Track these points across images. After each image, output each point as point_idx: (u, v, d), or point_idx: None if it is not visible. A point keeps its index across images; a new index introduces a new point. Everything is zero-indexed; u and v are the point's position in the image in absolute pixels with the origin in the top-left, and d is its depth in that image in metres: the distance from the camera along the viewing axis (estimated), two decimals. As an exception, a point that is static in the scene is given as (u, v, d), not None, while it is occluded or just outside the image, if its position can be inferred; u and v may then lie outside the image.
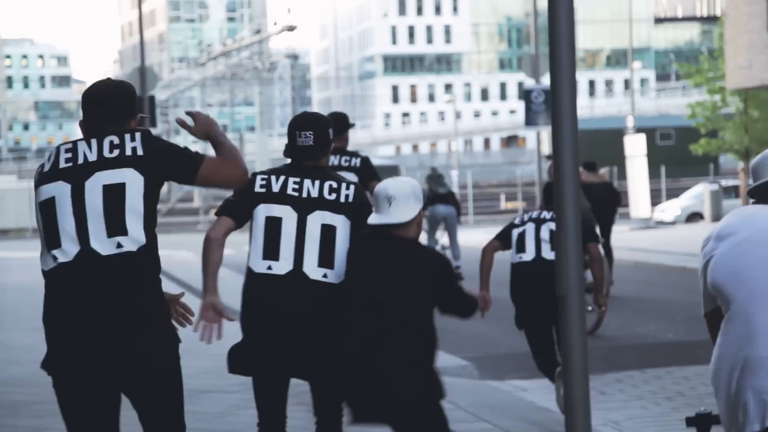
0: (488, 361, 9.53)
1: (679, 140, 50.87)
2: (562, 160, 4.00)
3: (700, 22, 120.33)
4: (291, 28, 51.20)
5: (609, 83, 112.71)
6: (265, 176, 4.46)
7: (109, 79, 3.80)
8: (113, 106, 3.69)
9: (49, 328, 3.54)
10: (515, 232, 7.07)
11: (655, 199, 34.16)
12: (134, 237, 3.54)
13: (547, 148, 28.00)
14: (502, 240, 7.08)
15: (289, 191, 4.38)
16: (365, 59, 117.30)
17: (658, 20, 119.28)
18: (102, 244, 3.52)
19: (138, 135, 3.66)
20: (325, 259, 4.28)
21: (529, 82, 27.75)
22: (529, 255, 6.93)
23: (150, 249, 3.58)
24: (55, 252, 3.54)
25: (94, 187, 3.55)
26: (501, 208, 42.97)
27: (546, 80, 27.52)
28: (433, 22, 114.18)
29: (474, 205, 40.88)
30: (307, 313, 4.21)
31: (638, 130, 31.45)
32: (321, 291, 4.24)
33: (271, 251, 4.30)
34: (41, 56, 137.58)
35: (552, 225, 6.84)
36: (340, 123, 7.31)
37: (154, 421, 3.60)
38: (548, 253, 6.84)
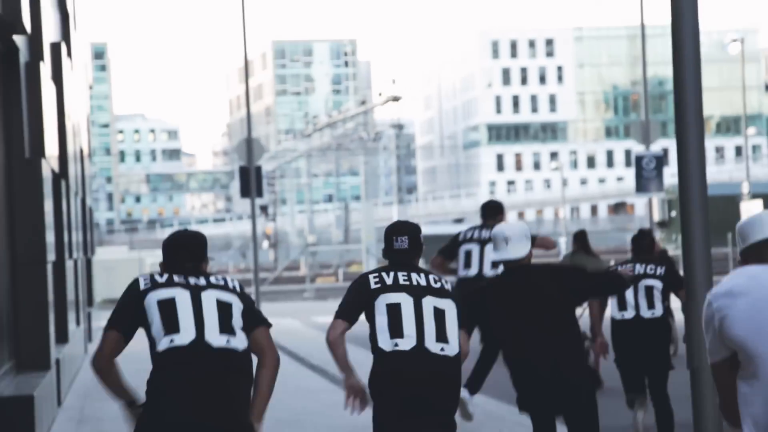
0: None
1: (797, 206, 49.27)
2: (691, 221, 3.78)
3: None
4: (396, 99, 51.56)
5: (719, 150, 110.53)
6: (376, 274, 5.14)
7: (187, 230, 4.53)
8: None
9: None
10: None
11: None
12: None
13: (657, 214, 27.26)
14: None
15: (401, 282, 5.09)
16: (469, 128, 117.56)
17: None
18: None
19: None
20: (441, 336, 4.99)
21: (639, 149, 27.21)
22: (630, 313, 7.42)
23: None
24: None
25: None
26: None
27: (656, 147, 26.94)
28: (537, 92, 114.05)
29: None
30: (430, 379, 4.95)
31: (754, 196, 30.52)
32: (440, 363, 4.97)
33: (396, 330, 5.00)
34: (152, 130, 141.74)
35: (650, 281, 7.39)
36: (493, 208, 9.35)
37: None
38: (646, 312, 7.35)
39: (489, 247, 8.68)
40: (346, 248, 66.17)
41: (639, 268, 7.41)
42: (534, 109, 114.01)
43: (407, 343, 4.93)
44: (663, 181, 26.44)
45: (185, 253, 4.37)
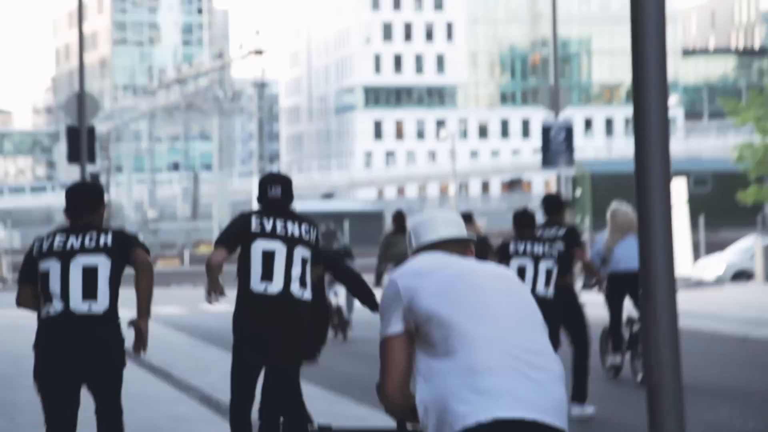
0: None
1: (717, 187, 50.45)
2: (651, 206, 3.64)
3: (737, 55, 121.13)
4: (259, 52, 50.79)
5: (629, 121, 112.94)
6: (258, 217, 6.99)
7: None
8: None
9: None
10: (514, 264, 9.23)
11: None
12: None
13: (563, 193, 27.37)
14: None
15: (278, 231, 6.92)
16: (343, 90, 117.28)
17: (687, 52, 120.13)
18: None
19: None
20: (303, 282, 6.92)
21: (547, 117, 27.19)
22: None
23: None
24: None
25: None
26: (506, 265, 42.23)
27: (565, 115, 26.95)
28: (423, 50, 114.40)
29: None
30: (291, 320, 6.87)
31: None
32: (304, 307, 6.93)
33: (267, 275, 6.87)
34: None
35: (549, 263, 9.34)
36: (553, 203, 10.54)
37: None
38: (542, 290, 9.23)
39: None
40: (194, 225, 65.05)
41: (537, 248, 9.29)
42: (419, 70, 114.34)
43: (275, 287, 6.78)
44: (573, 154, 26.45)
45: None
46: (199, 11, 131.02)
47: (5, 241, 42.45)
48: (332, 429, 4.41)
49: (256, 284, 6.74)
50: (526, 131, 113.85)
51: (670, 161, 3.90)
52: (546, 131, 26.30)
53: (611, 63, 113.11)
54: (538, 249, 9.25)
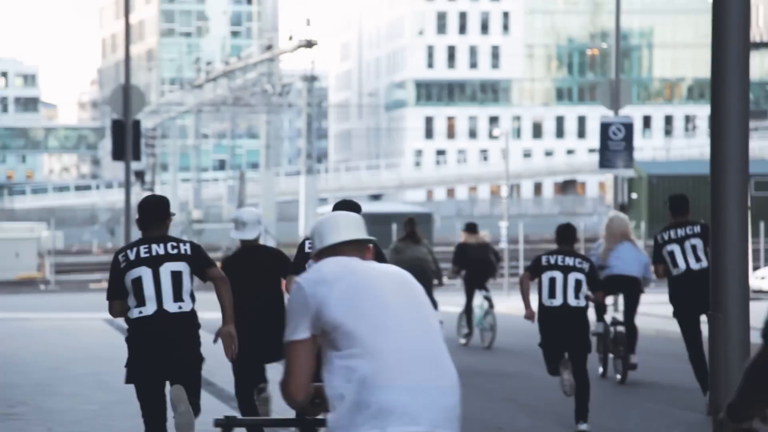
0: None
1: (781, 191, 49.80)
2: (727, 207, 3.53)
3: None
4: (310, 44, 50.56)
5: (690, 120, 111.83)
6: (123, 252, 7.58)
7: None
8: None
9: None
10: (546, 277, 10.39)
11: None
12: None
13: (611, 197, 27.09)
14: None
15: (143, 255, 7.48)
16: (394, 85, 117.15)
17: (754, 45, 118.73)
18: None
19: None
20: (177, 296, 7.50)
21: (606, 115, 26.85)
22: (558, 301, 10.36)
23: None
24: None
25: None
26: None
27: (624, 113, 26.60)
28: (478, 43, 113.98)
29: (525, 265, 39.94)
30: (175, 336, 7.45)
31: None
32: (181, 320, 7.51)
33: (140, 299, 7.46)
34: (4, 74, 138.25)
35: (578, 275, 10.37)
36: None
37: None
38: (573, 301, 10.32)
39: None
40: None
41: (568, 260, 10.36)
42: (473, 64, 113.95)
43: (150, 308, 7.32)
44: (633, 155, 26.11)
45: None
46: (249, 1, 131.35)
47: (48, 241, 42.72)
48: (237, 419, 4.84)
49: (133, 313, 7.40)
50: (581, 130, 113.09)
51: (749, 161, 3.79)
52: (604, 130, 25.90)
53: (673, 57, 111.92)
54: (569, 261, 10.39)
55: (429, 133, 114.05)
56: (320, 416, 4.36)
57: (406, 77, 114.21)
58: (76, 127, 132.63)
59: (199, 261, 7.45)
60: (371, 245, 4.45)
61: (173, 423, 7.26)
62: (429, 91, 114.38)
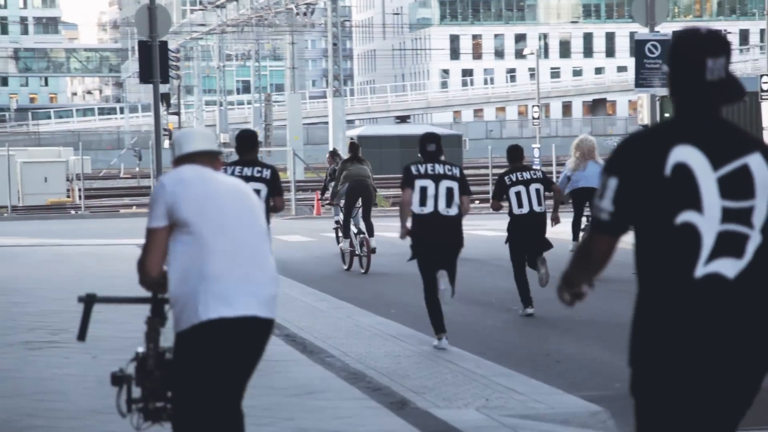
0: (623, 402, 8.48)
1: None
2: None
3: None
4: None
5: (745, 34, 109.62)
6: (416, 165, 10.72)
7: None
8: None
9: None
10: (512, 192, 13.07)
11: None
12: None
13: (646, 116, 26.79)
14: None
15: (429, 171, 10.87)
16: (418, 3, 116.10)
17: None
18: None
19: None
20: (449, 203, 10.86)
21: (641, 32, 26.37)
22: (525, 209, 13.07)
23: None
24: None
25: None
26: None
27: (663, 29, 26.15)
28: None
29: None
30: None
31: (776, 94, 30.11)
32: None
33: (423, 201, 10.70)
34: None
35: (538, 185, 13.06)
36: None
37: None
38: (537, 207, 13.05)
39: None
40: (266, 150, 65.10)
41: (526, 175, 13.02)
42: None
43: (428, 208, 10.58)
44: (669, 74, 25.70)
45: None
46: None
47: (76, 165, 42.72)
48: (96, 297, 5.54)
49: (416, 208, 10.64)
50: (610, 48, 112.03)
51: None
52: (640, 47, 25.30)
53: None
54: (527, 175, 13.00)
55: (454, 53, 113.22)
56: (166, 296, 5.28)
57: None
58: (98, 48, 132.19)
59: (272, 186, 10.90)
60: (220, 156, 5.46)
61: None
62: (454, 9, 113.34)
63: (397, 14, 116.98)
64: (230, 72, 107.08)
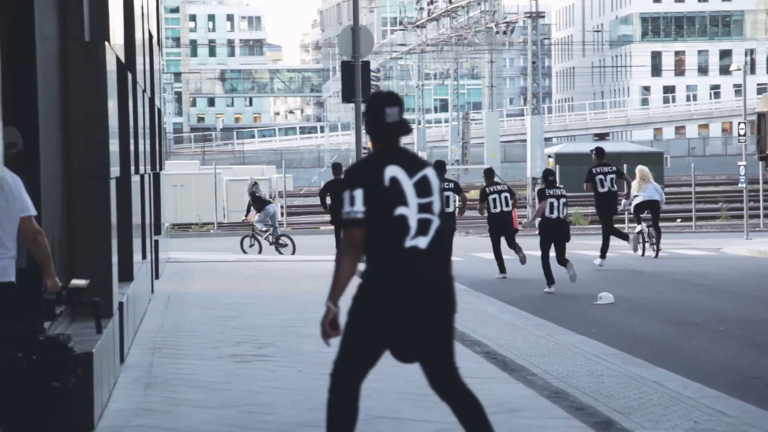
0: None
1: None
2: None
3: None
4: (532, -20, 49.86)
5: None
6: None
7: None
8: None
9: None
10: (547, 202, 17.81)
11: None
12: None
13: None
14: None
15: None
16: (619, 20, 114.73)
17: None
18: None
19: None
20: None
21: None
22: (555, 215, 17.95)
23: None
24: None
25: None
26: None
27: None
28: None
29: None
30: None
31: None
32: None
33: None
34: (230, 17, 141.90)
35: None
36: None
37: None
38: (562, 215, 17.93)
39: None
40: (463, 168, 65.33)
41: (557, 191, 17.86)
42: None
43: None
44: None
45: None
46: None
47: (279, 182, 43.67)
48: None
49: None
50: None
51: None
52: None
53: None
54: (558, 191, 17.85)
55: (656, 70, 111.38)
56: None
57: (632, 12, 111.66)
58: (300, 69, 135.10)
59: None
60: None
61: None
62: (656, 26, 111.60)
63: (598, 31, 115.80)
64: (428, 90, 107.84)
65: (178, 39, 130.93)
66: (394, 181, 5.60)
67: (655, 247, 23.54)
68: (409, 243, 5.61)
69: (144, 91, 14.20)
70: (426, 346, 5.69)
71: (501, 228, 19.92)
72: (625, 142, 61.34)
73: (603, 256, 21.55)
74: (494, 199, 19.68)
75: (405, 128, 5.81)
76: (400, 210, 5.59)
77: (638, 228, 23.90)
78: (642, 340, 12.43)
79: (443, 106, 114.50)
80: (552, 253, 17.69)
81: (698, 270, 21.00)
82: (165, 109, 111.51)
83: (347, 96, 24.18)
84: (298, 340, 11.66)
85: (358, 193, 5.55)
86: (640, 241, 23.71)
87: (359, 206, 5.55)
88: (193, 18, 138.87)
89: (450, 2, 61.51)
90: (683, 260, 23.53)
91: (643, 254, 23.61)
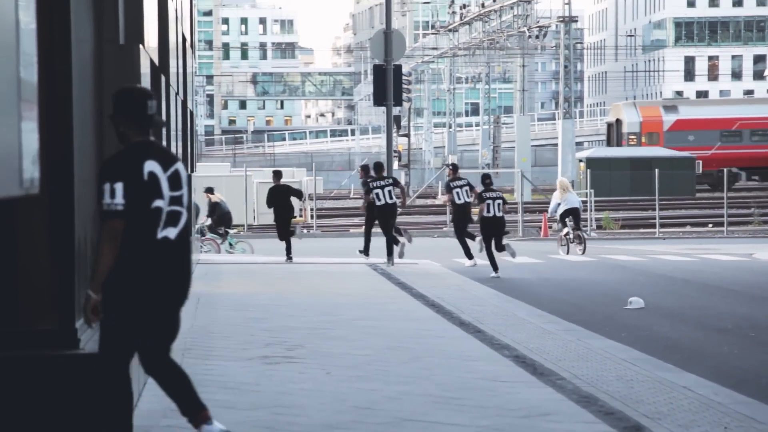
0: None
1: None
2: None
3: None
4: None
5: None
6: None
7: None
8: None
9: None
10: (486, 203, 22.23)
11: None
12: None
13: None
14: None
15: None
16: (652, 25, 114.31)
17: None
18: None
19: None
20: None
21: None
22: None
23: None
24: None
25: None
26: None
27: None
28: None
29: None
30: None
31: None
32: None
33: None
34: (263, 21, 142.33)
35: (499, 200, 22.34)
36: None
37: None
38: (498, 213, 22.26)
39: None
40: (493, 171, 65.29)
41: (494, 194, 22.05)
42: (736, 2, 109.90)
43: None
44: None
45: None
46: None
47: (310, 185, 43.80)
48: None
49: None
50: None
51: None
52: None
53: None
54: (494, 194, 21.88)
55: (689, 75, 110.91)
56: None
57: (665, 16, 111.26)
58: (332, 72, 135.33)
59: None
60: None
61: None
62: (690, 31, 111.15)
63: (631, 36, 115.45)
64: (459, 94, 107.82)
65: (211, 42, 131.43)
66: (152, 175, 5.99)
67: (580, 247, 27.10)
68: (160, 234, 6.05)
69: (177, 93, 14.30)
70: (163, 327, 6.20)
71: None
72: (658, 147, 61.18)
73: (470, 257, 23.37)
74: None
75: (162, 122, 6.32)
76: (157, 203, 6.01)
77: (564, 231, 27.62)
78: (672, 346, 12.41)
79: (474, 110, 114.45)
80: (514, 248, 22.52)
81: (729, 275, 20.93)
82: (197, 111, 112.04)
83: (379, 99, 24.26)
84: (327, 342, 11.71)
85: (119, 186, 5.91)
86: (565, 243, 27.67)
87: (119, 199, 5.93)
88: (225, 21, 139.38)
89: (483, 6, 61.52)
90: (714, 266, 23.46)
91: (567, 253, 27.16)
